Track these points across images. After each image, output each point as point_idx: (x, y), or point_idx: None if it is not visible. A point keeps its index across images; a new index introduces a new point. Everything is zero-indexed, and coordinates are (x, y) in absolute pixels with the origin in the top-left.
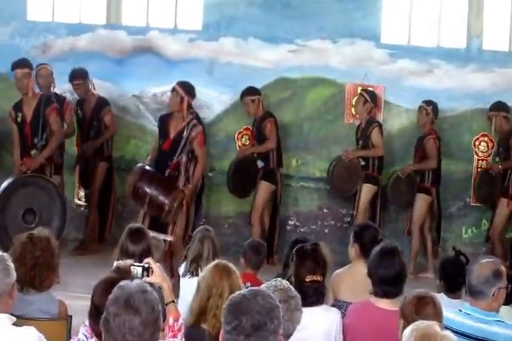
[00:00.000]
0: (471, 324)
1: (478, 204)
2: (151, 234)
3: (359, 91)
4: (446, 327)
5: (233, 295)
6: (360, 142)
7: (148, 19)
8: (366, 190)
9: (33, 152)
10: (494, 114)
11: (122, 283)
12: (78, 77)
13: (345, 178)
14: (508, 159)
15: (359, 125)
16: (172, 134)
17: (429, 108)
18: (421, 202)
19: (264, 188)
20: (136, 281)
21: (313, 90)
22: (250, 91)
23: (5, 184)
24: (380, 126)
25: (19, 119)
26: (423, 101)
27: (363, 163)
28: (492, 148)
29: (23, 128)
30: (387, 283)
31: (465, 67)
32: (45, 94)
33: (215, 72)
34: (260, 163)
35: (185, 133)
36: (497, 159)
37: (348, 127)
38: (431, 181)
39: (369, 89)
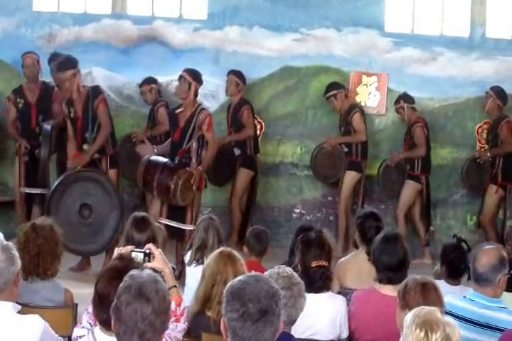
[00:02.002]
0: (475, 310)
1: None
2: (172, 224)
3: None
4: (450, 313)
5: (232, 282)
6: (342, 129)
7: (153, 8)
8: (349, 177)
9: (84, 146)
10: (491, 96)
11: (133, 272)
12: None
13: (328, 165)
14: (497, 146)
15: (340, 113)
16: (182, 123)
17: (405, 105)
18: (409, 189)
19: (243, 175)
20: (146, 271)
21: (317, 78)
22: (240, 74)
23: (57, 182)
24: (362, 111)
25: (72, 115)
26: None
27: (346, 149)
28: None
29: (75, 124)
30: (390, 270)
31: (468, 55)
32: (92, 87)
33: (220, 61)
34: (237, 151)
35: (194, 118)
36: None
37: None
38: (420, 169)
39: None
